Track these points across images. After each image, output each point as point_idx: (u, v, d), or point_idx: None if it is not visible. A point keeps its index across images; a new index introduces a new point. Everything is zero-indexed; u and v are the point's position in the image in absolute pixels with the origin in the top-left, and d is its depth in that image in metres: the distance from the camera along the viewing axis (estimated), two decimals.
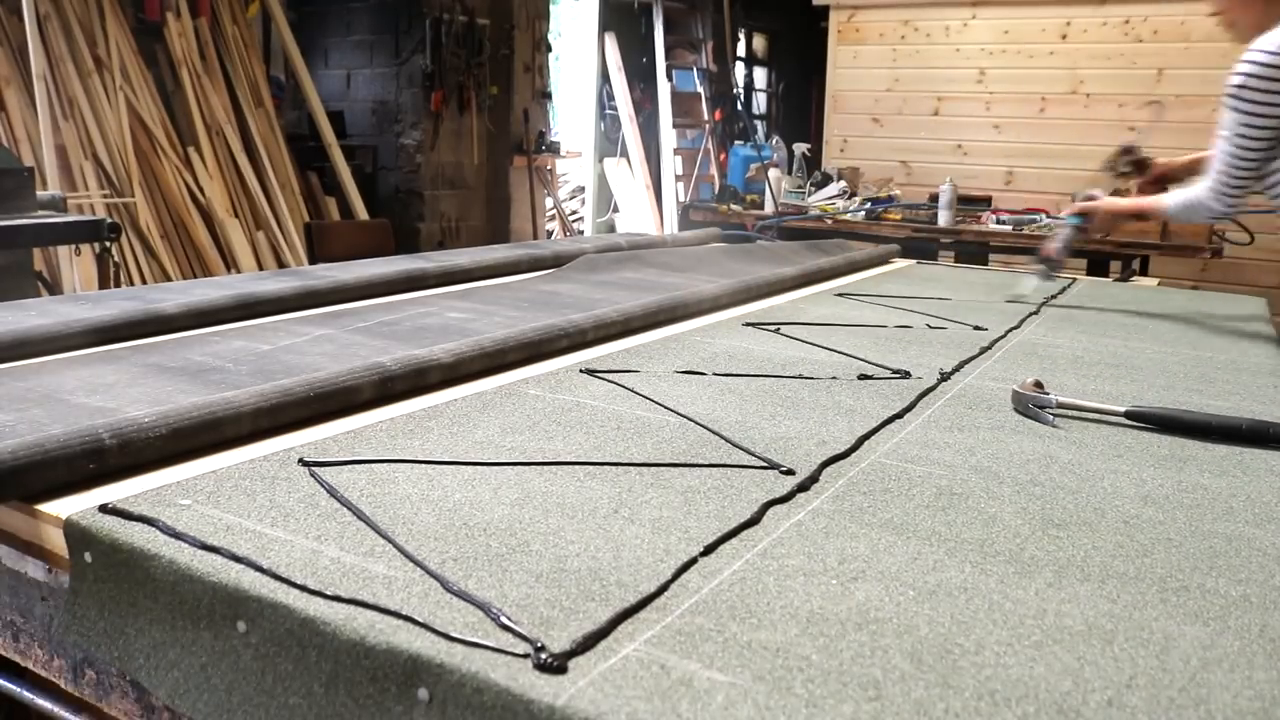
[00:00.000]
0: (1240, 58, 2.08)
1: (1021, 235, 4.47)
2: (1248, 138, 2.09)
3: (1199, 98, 5.09)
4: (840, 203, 4.96)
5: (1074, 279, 3.00)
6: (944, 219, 4.59)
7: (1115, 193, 2.54)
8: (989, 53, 5.63)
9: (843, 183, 5.13)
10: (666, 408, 1.37)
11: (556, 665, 0.69)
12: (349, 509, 0.96)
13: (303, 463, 1.08)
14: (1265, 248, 4.31)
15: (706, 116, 8.06)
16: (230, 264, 5.20)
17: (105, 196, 4.78)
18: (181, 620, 0.83)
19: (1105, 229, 2.51)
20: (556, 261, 2.72)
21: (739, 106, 8.61)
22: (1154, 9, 5.19)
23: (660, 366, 1.61)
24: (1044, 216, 4.60)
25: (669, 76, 7.75)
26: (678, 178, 7.84)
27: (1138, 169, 2.54)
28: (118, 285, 3.61)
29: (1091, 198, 2.48)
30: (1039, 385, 1.44)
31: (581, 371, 1.55)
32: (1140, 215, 2.47)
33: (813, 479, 1.11)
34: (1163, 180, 2.52)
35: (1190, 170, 2.48)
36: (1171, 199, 2.31)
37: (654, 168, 7.92)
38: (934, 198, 4.69)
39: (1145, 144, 2.55)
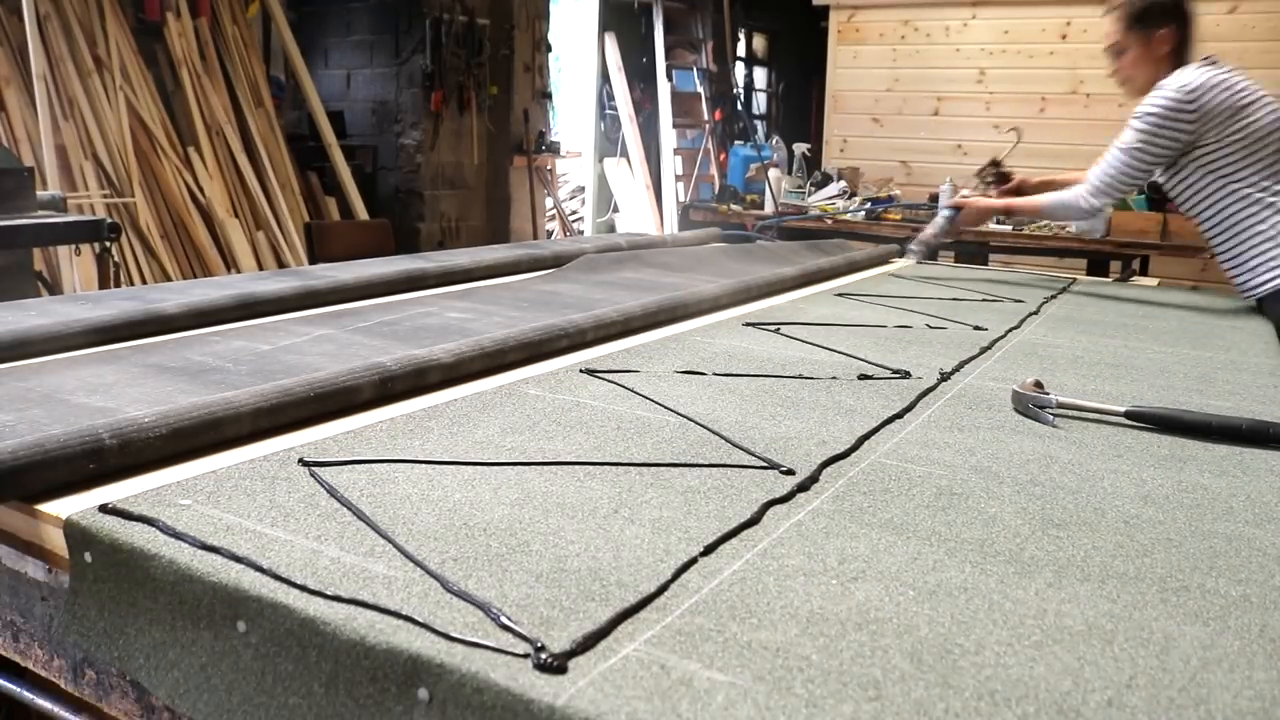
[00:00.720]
0: (1153, 92, 2.44)
1: (1021, 235, 4.47)
2: (1144, 153, 2.45)
3: None
4: (840, 203, 4.97)
5: (1074, 279, 3.00)
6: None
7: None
8: (989, 53, 5.63)
9: (843, 183, 5.13)
10: (666, 408, 1.37)
11: (556, 665, 0.69)
12: (349, 509, 0.96)
13: (303, 463, 1.08)
14: None
15: (706, 116, 8.06)
16: (230, 264, 5.20)
17: (105, 196, 4.78)
18: (181, 620, 0.83)
19: (973, 222, 3.02)
20: (556, 261, 2.72)
21: (739, 106, 8.61)
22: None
23: (660, 366, 1.61)
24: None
25: (669, 76, 7.75)
26: (678, 178, 7.84)
27: (1000, 180, 3.02)
28: (118, 285, 3.61)
29: (966, 196, 2.98)
30: (1039, 385, 1.44)
31: (581, 371, 1.55)
32: (1009, 211, 2.89)
33: (813, 479, 1.11)
34: (1019, 191, 2.95)
35: (1044, 187, 2.93)
36: (1045, 198, 2.74)
37: (654, 168, 7.92)
38: (934, 198, 4.69)
39: (1007, 161, 3.11)
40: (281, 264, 5.37)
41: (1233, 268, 2.47)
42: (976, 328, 2.06)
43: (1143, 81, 2.52)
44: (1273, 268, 2.37)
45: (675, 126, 7.80)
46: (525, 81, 7.04)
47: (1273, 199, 2.38)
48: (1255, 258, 2.40)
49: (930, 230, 2.93)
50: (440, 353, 1.46)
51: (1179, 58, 2.47)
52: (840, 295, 2.43)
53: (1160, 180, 2.58)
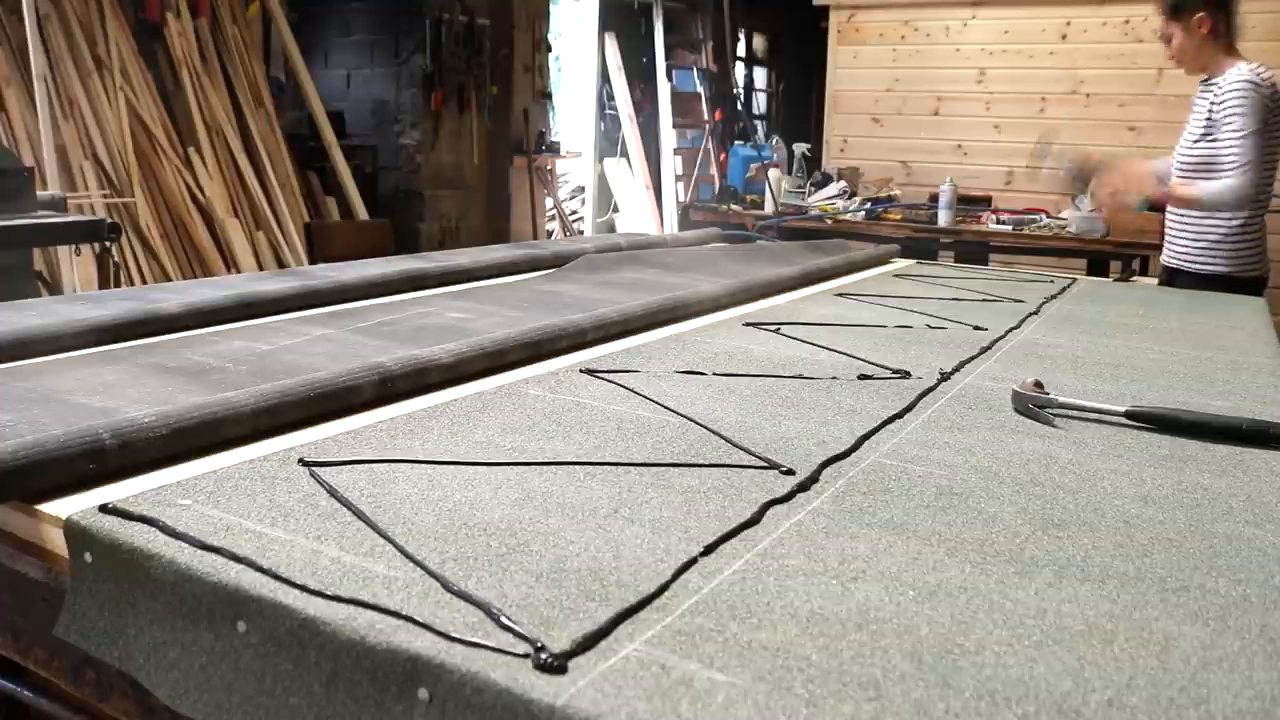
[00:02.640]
0: (1231, 82, 2.83)
1: (1022, 235, 4.47)
2: (1259, 132, 2.79)
3: None
4: (840, 203, 4.97)
5: (1074, 279, 3.00)
6: (944, 219, 4.59)
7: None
8: (989, 53, 5.63)
9: (843, 183, 5.14)
10: (666, 408, 1.37)
11: (556, 665, 0.69)
12: (349, 509, 0.96)
13: (303, 463, 1.08)
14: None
15: (706, 116, 8.07)
16: (230, 264, 5.20)
17: (105, 196, 4.78)
18: (181, 620, 0.83)
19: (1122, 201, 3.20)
20: (556, 261, 2.72)
21: (739, 106, 8.61)
22: (1154, 9, 5.18)
23: (660, 366, 1.61)
24: (1044, 217, 4.60)
25: (669, 76, 7.75)
26: (678, 178, 7.84)
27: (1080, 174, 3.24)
28: (118, 285, 3.61)
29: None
30: (1039, 385, 1.44)
31: (581, 371, 1.55)
32: (1166, 198, 3.05)
33: (813, 479, 1.11)
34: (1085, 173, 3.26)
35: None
36: (1204, 189, 2.89)
37: (654, 168, 7.92)
38: (934, 198, 4.69)
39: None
40: (281, 264, 5.37)
41: (1195, 246, 3.01)
42: (976, 328, 2.06)
43: (1191, 62, 2.95)
44: (1227, 257, 2.95)
45: (675, 126, 7.80)
46: (525, 81, 7.03)
47: (1264, 201, 2.92)
48: (1221, 245, 2.95)
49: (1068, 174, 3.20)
50: (440, 353, 1.46)
51: (1219, 37, 2.90)
52: (840, 295, 2.43)
53: (1190, 153, 2.95)
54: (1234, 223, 2.93)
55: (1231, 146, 2.83)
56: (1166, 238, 3.14)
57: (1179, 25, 2.92)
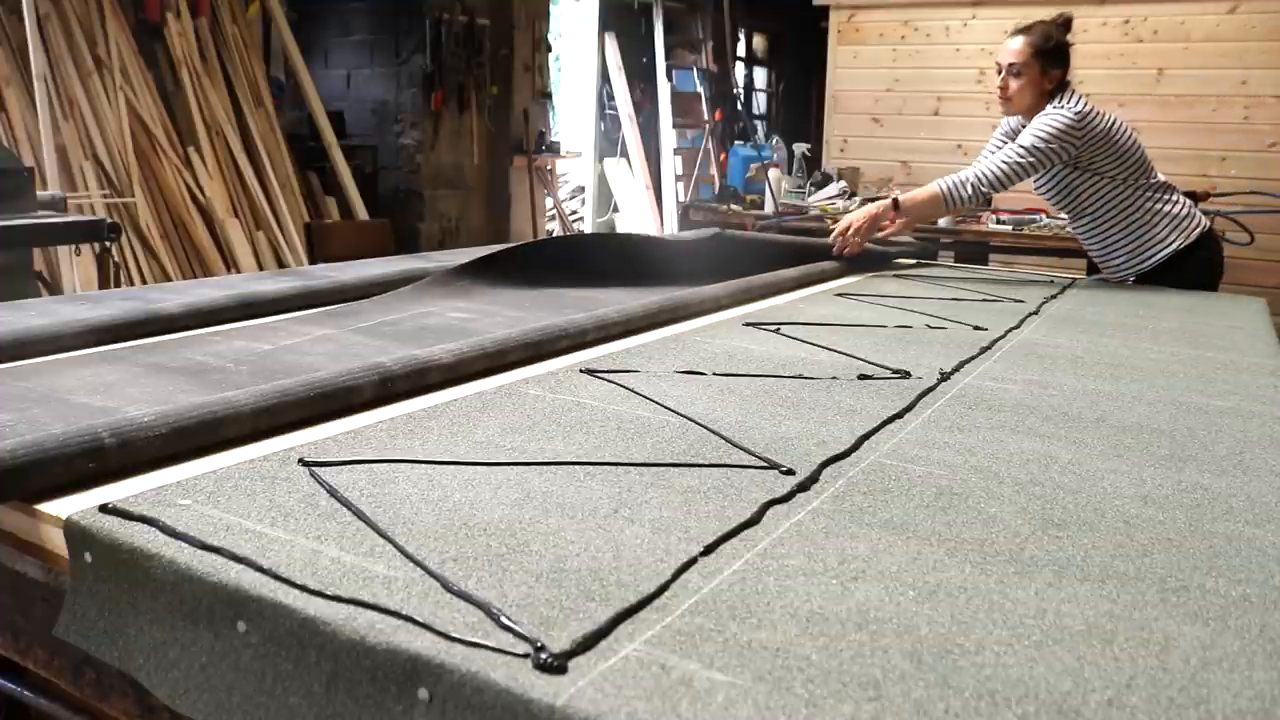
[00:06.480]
0: (1051, 111, 2.79)
1: (1022, 235, 4.47)
2: (1040, 160, 2.79)
3: (1197, 98, 5.10)
4: (840, 203, 4.96)
5: (1074, 279, 3.00)
6: (944, 219, 4.59)
7: None
8: (989, 53, 5.61)
9: (843, 183, 5.13)
10: (666, 408, 1.37)
11: (556, 665, 0.69)
12: (349, 509, 0.96)
13: (303, 463, 1.08)
14: (1265, 248, 4.31)
15: (706, 116, 8.07)
16: (230, 264, 5.20)
17: (105, 196, 4.78)
18: (181, 620, 0.83)
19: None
20: None
21: (739, 106, 8.61)
22: (1154, 9, 5.19)
23: (660, 366, 1.61)
24: (1043, 216, 4.60)
25: (669, 76, 7.75)
26: (678, 178, 7.84)
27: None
28: (118, 285, 3.61)
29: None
30: None
31: (581, 371, 1.55)
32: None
33: (813, 479, 1.11)
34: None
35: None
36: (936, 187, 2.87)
37: (654, 168, 7.92)
38: None
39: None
40: (281, 264, 5.37)
41: (1109, 253, 2.99)
42: (976, 328, 2.06)
43: (1022, 106, 2.94)
44: (1140, 253, 2.92)
45: (675, 126, 7.80)
46: (525, 81, 7.03)
47: (1144, 202, 2.88)
48: (1131, 245, 2.92)
49: None
50: (441, 353, 1.46)
51: (1055, 95, 2.90)
52: (840, 295, 2.43)
53: (1056, 188, 2.96)
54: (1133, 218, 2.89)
55: (1005, 151, 2.86)
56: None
57: (1037, 69, 2.89)
